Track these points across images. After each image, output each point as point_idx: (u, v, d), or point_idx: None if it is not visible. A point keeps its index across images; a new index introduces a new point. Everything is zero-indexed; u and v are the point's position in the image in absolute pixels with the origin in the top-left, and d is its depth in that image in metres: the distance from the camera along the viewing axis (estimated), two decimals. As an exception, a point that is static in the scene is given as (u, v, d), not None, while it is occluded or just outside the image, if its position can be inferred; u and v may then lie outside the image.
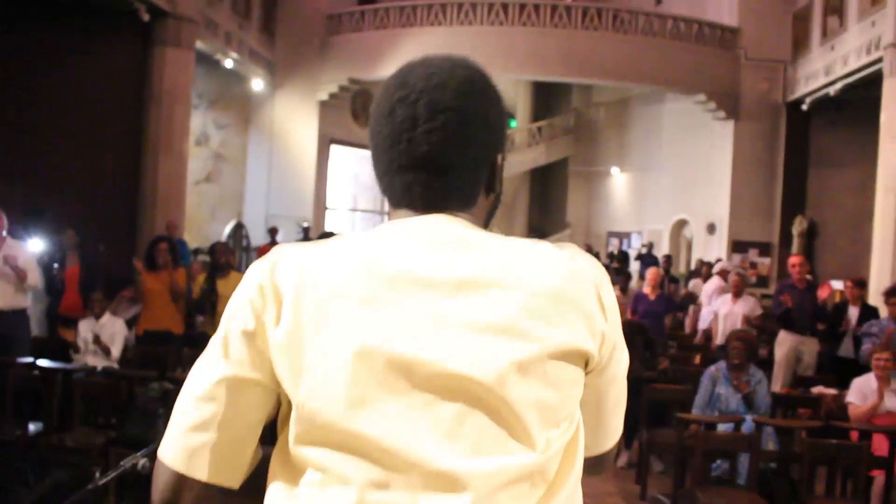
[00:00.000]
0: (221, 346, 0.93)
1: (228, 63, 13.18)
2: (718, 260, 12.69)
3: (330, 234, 6.89)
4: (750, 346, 5.60)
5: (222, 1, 12.65)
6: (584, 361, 0.92)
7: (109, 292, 6.97)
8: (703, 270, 10.62)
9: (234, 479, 0.94)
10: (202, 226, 14.20)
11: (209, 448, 0.91)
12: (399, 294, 0.88)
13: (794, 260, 7.42)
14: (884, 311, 7.50)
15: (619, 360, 1.00)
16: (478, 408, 0.85)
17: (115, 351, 5.97)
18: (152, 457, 1.17)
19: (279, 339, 0.89)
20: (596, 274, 0.94)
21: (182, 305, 6.38)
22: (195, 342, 6.47)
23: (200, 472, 0.92)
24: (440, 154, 0.95)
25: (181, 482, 0.92)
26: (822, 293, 6.95)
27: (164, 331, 6.20)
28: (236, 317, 0.92)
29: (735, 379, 5.23)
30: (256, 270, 0.94)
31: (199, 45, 11.58)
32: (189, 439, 0.92)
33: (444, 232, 0.93)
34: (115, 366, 5.86)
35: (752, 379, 5.26)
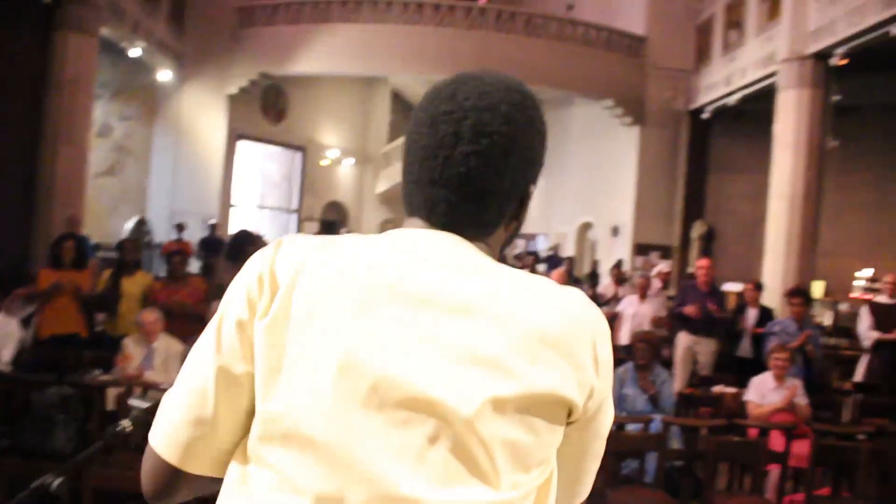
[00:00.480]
0: (216, 335, 0.92)
1: (135, 52, 12.66)
2: (620, 261, 13.06)
3: (247, 234, 6.73)
4: (654, 347, 5.81)
5: (129, -13, 12.19)
6: (566, 411, 0.89)
7: (2, 289, 6.61)
8: (614, 273, 10.89)
9: (226, 469, 0.92)
10: (102, 220, 13.63)
11: (205, 443, 0.91)
12: (393, 306, 0.86)
13: (701, 263, 7.70)
14: (779, 313, 7.91)
15: (605, 417, 0.97)
16: (448, 437, 0.83)
17: (7, 354, 5.66)
18: (68, 474, 1.12)
19: (262, 330, 0.87)
20: (596, 326, 0.91)
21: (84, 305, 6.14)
22: (96, 344, 6.22)
23: (196, 466, 0.92)
24: (475, 178, 0.92)
25: (175, 474, 0.92)
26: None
27: (70, 334, 5.95)
28: (233, 305, 0.92)
29: (641, 379, 5.40)
30: (258, 258, 0.93)
31: (104, 31, 11.11)
32: (184, 433, 0.92)
33: (453, 252, 0.91)
34: (7, 369, 5.57)
35: (657, 379, 5.45)
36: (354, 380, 0.83)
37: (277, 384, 0.86)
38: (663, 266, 10.04)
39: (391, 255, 0.90)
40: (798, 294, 6.69)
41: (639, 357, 5.47)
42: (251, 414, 0.91)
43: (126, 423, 1.75)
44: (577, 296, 0.92)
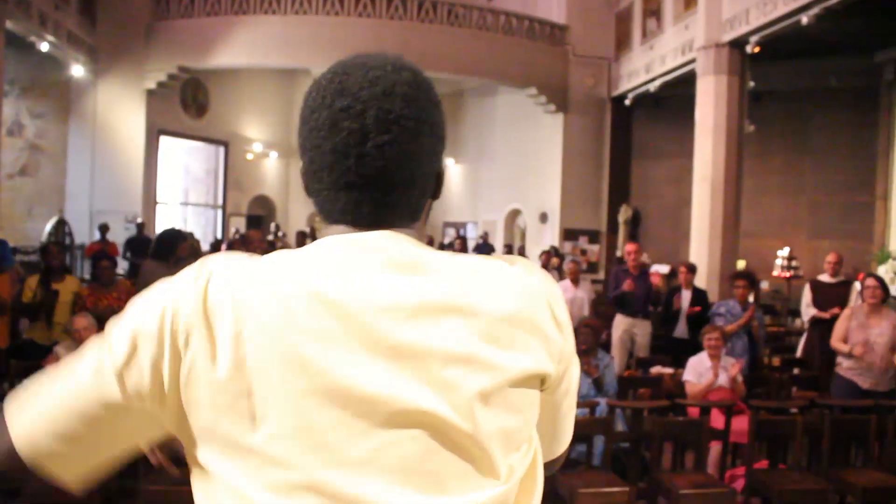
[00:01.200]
0: (122, 363, 0.83)
1: (44, 46, 12.09)
2: (553, 247, 13.26)
3: (175, 232, 6.54)
4: (596, 332, 5.93)
5: (35, -22, 11.64)
6: (541, 382, 0.90)
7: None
8: (543, 258, 11.03)
9: (77, 483, 0.88)
10: (17, 223, 13.07)
11: (69, 458, 0.86)
12: (353, 324, 0.81)
13: (630, 247, 7.90)
14: (710, 293, 8.17)
15: (573, 373, 0.99)
16: (443, 443, 0.82)
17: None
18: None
19: (217, 380, 0.81)
20: (548, 290, 0.92)
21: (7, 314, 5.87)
22: (22, 352, 5.97)
23: (48, 470, 0.85)
24: (396, 169, 0.89)
25: (21, 467, 0.85)
26: (655, 280, 7.47)
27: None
28: (148, 337, 0.82)
29: (585, 364, 5.50)
30: (184, 292, 0.84)
31: (10, 25, 10.59)
32: (51, 444, 0.85)
33: (394, 252, 0.86)
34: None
35: (600, 363, 5.57)
36: (336, 410, 0.80)
37: (254, 434, 0.80)
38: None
39: (335, 269, 0.85)
40: (743, 276, 6.97)
41: (582, 342, 5.57)
42: (134, 448, 0.88)
43: None
44: (524, 267, 0.92)
